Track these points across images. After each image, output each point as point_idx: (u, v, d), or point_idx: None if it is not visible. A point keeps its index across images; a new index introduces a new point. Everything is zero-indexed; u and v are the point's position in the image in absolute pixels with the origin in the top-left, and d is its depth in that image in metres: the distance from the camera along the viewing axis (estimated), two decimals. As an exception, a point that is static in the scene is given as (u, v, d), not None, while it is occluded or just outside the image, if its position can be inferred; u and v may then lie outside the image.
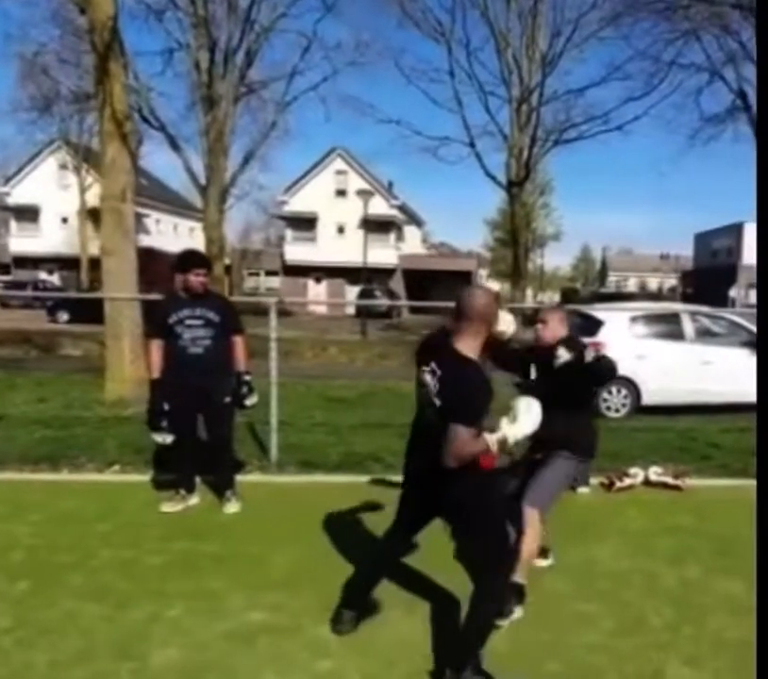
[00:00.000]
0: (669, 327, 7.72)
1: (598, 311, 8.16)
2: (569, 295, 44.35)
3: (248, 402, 3.81)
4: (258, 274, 38.02)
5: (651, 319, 7.79)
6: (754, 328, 7.87)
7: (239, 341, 3.80)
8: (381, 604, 2.58)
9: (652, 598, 2.87)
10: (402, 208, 36.20)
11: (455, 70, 18.45)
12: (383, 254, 33.63)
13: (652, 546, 3.47)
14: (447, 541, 2.45)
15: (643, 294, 43.93)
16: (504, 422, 2.09)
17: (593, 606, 2.76)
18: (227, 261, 24.14)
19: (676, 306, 9.30)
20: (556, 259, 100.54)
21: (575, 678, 2.28)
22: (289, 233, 36.14)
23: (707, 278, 37.09)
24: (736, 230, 36.05)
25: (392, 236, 35.05)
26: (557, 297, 57.73)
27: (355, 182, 32.54)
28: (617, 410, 7.43)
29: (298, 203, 34.91)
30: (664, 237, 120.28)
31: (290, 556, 3.18)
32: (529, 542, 2.61)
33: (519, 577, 2.59)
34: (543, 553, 3.06)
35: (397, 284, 34.57)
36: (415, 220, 41.52)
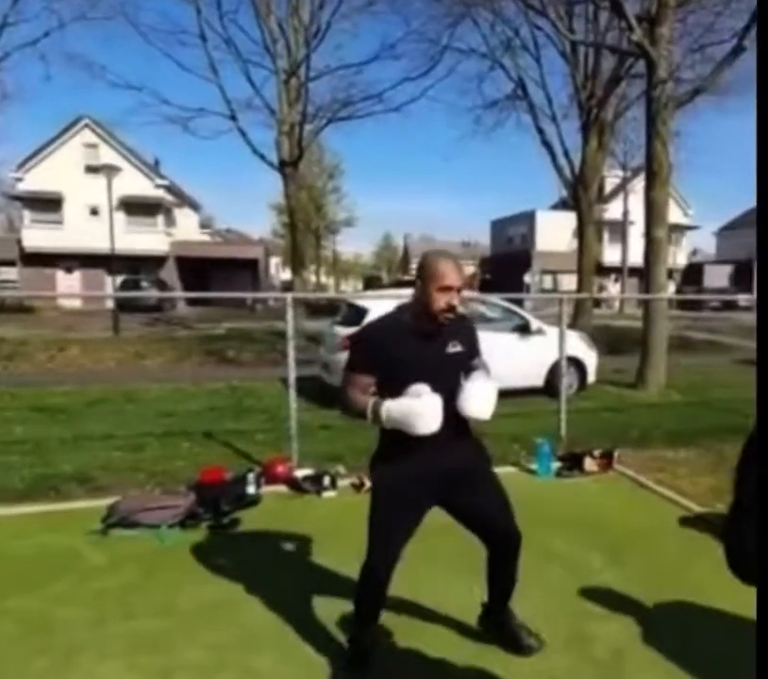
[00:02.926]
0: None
1: (362, 299, 8.51)
2: (372, 283, 46.44)
3: None
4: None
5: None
6: (524, 313, 8.88)
7: None
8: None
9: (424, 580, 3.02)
10: (171, 190, 34.70)
11: (206, 33, 17.98)
12: (150, 239, 32.19)
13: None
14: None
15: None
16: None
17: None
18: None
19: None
20: (357, 246, 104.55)
21: None
22: (27, 215, 32.48)
23: (503, 265, 41.31)
24: (529, 218, 40.81)
25: (161, 219, 33.40)
26: (360, 285, 60.03)
27: (111, 157, 30.25)
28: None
29: (37, 180, 31.60)
30: (465, 224, 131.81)
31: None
32: None
33: None
34: None
35: (169, 273, 33.07)
36: (190, 203, 40.04)
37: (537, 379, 8.38)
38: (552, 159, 19.22)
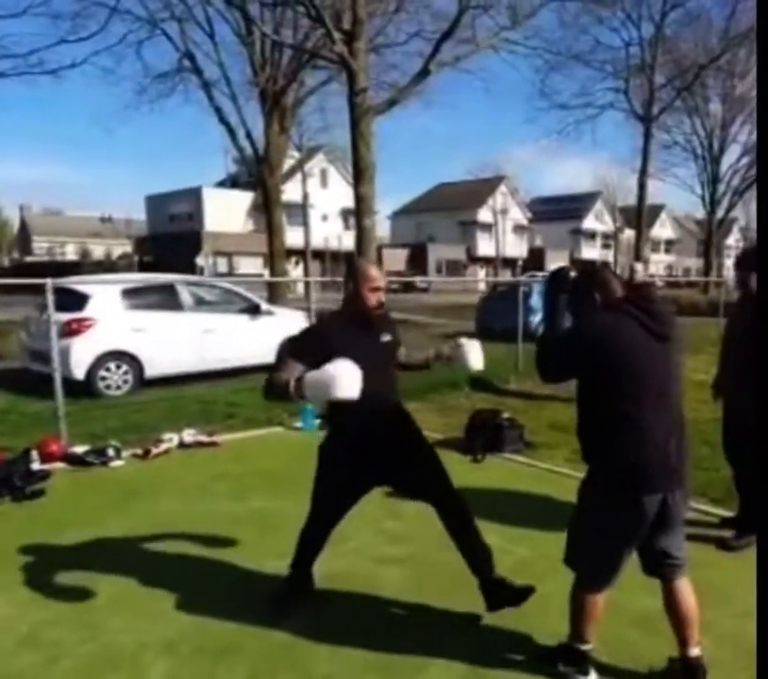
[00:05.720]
0: (165, 298, 9.10)
1: (82, 285, 8.95)
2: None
3: None
4: None
5: (145, 290, 9.03)
6: (249, 295, 10.14)
7: None
8: None
9: (232, 523, 4.08)
10: None
11: None
12: None
13: (212, 491, 4.72)
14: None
15: (90, 263, 45.44)
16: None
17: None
18: None
19: (169, 277, 10.78)
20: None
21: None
22: None
23: (167, 245, 40.39)
24: (194, 195, 40.94)
25: None
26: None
27: None
28: (119, 387, 8.40)
29: None
30: (103, 197, 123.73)
31: None
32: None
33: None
34: None
35: None
36: None
37: (269, 356, 9.72)
38: (232, 138, 20.55)
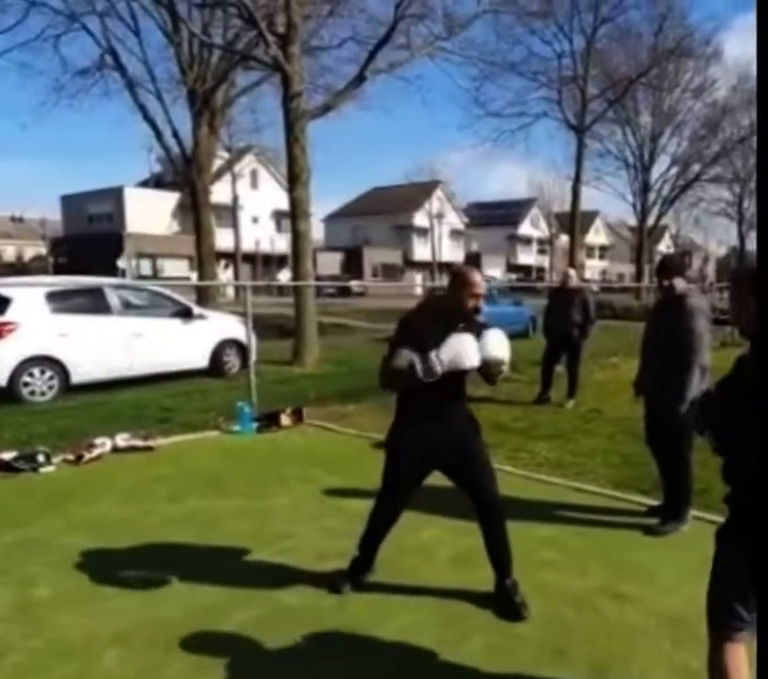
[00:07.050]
0: (91, 301, 9.05)
1: (3, 288, 8.82)
2: None
3: None
4: None
5: (71, 293, 8.95)
6: (181, 298, 10.18)
7: None
8: None
9: (171, 523, 4.21)
10: None
11: None
12: None
13: (150, 493, 4.82)
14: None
15: (1, 265, 43.88)
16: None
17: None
18: None
19: (97, 280, 10.70)
20: None
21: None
22: None
23: (86, 247, 39.13)
24: (116, 194, 40.19)
25: None
26: None
27: None
28: (44, 394, 8.31)
29: None
30: (12, 196, 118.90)
31: None
32: None
33: None
34: None
35: None
36: None
37: (202, 361, 9.83)
38: (157, 137, 20.38)
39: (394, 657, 2.79)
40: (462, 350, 2.95)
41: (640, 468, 5.16)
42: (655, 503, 4.46)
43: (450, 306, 3.15)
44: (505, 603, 3.12)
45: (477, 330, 3.15)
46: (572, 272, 8.87)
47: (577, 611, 3.12)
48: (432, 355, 2.92)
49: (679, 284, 4.10)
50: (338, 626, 3.01)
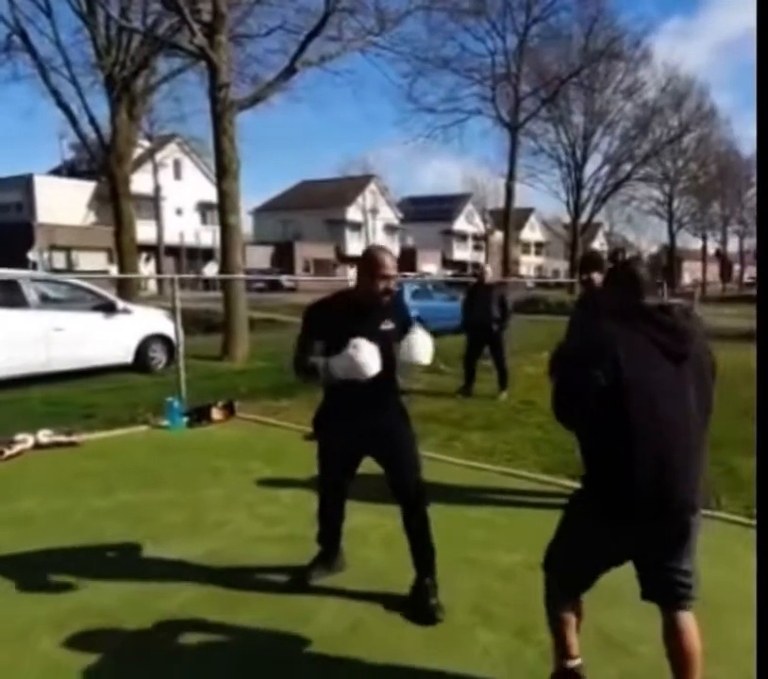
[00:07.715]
0: (6, 294, 8.85)
1: None
2: None
3: None
4: None
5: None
6: (103, 292, 10.05)
7: None
8: None
9: (101, 516, 4.27)
10: None
11: None
12: None
13: (77, 488, 4.87)
14: None
15: None
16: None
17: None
18: None
19: (11, 272, 10.34)
20: None
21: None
22: None
23: None
24: (25, 183, 38.76)
25: None
26: None
27: None
28: (-48, 391, 8.06)
29: None
30: None
31: None
32: None
33: None
34: None
35: None
36: None
37: (126, 356, 9.75)
38: (72, 124, 19.98)
39: (332, 632, 2.96)
40: (357, 363, 2.85)
41: (568, 454, 5.46)
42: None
43: (359, 292, 3.11)
44: (420, 603, 3.09)
45: (403, 323, 3.17)
46: (488, 268, 9.25)
47: (504, 582, 3.39)
48: (329, 362, 2.91)
49: (597, 278, 4.43)
50: (276, 609, 3.15)
